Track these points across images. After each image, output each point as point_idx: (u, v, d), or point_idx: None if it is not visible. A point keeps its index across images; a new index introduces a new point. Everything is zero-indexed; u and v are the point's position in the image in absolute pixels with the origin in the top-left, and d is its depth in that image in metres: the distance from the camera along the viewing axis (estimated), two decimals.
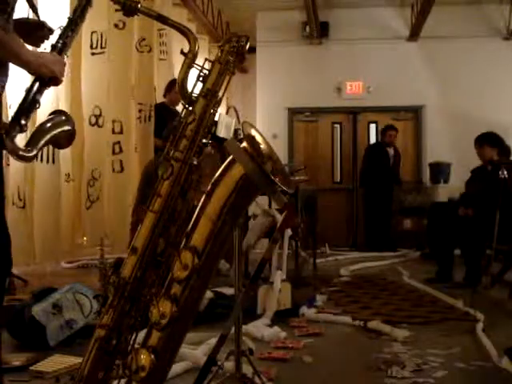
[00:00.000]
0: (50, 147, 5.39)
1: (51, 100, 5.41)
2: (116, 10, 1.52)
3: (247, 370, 2.23)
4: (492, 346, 2.88)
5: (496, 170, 4.49)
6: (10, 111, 1.63)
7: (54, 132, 1.66)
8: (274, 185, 1.31)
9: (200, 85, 1.48)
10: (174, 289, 1.32)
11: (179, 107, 5.13)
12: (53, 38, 1.76)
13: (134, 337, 1.37)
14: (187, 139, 1.41)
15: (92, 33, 5.48)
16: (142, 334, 1.36)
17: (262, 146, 1.36)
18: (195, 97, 1.46)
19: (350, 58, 8.13)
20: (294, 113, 8.52)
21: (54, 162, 5.39)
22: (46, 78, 1.65)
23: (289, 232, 4.56)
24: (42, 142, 1.61)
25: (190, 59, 1.49)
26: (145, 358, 1.30)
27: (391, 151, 7.70)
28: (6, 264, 1.51)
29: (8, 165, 3.92)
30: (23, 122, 1.57)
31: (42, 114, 5.13)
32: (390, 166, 7.63)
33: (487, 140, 4.90)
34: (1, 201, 1.51)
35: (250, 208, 4.35)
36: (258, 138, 1.37)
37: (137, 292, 1.35)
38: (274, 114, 8.34)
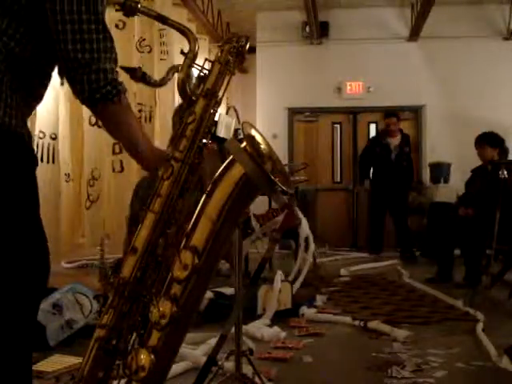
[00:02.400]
0: (50, 147, 5.41)
1: (51, 99, 5.42)
2: (116, 10, 1.52)
3: (247, 369, 2.23)
4: (492, 346, 2.88)
5: (496, 169, 4.49)
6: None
7: None
8: (274, 185, 1.31)
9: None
10: (174, 289, 1.32)
11: None
12: None
13: (134, 337, 1.37)
14: (187, 139, 1.41)
15: None
16: None
17: (262, 146, 1.36)
18: (195, 97, 1.46)
19: (350, 58, 8.12)
20: (294, 113, 8.51)
21: (54, 162, 5.40)
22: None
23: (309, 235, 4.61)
24: None
25: (189, 59, 1.49)
26: (145, 358, 1.30)
27: (395, 141, 6.84)
28: (44, 270, 1.48)
29: None
30: None
31: (42, 113, 5.07)
32: (392, 160, 6.76)
33: (488, 140, 4.90)
34: (37, 207, 1.50)
35: (251, 208, 4.35)
36: (258, 138, 1.37)
37: (137, 292, 1.35)
38: (274, 113, 8.33)
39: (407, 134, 7.22)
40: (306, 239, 4.79)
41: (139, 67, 1.49)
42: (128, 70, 1.48)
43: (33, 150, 1.47)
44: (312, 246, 4.76)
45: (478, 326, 3.27)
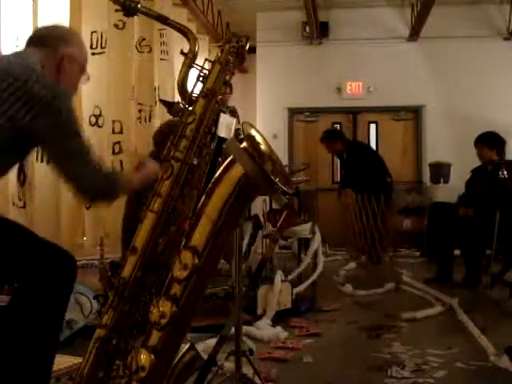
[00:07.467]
0: None
1: None
2: (116, 10, 1.52)
3: (247, 370, 2.23)
4: (492, 346, 2.88)
5: (496, 170, 4.49)
6: None
7: None
8: (274, 185, 1.30)
9: (200, 85, 1.48)
10: (174, 289, 1.32)
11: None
12: None
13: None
14: (187, 139, 1.41)
15: (92, 33, 5.48)
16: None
17: (261, 146, 1.36)
18: (195, 97, 1.46)
19: (350, 57, 8.12)
20: (294, 113, 8.51)
21: None
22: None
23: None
24: None
25: (189, 59, 1.49)
26: (145, 358, 1.30)
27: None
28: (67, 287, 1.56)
29: None
30: None
31: None
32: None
33: (485, 140, 4.88)
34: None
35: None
36: (258, 138, 1.37)
37: (137, 292, 1.35)
38: (274, 114, 8.33)
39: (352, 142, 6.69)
40: (316, 251, 4.79)
41: (177, 102, 1.51)
42: (166, 103, 1.50)
43: None
44: (321, 258, 4.75)
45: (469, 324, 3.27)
